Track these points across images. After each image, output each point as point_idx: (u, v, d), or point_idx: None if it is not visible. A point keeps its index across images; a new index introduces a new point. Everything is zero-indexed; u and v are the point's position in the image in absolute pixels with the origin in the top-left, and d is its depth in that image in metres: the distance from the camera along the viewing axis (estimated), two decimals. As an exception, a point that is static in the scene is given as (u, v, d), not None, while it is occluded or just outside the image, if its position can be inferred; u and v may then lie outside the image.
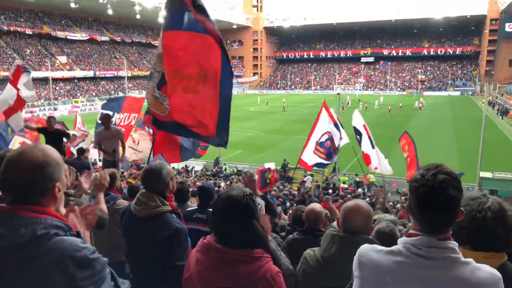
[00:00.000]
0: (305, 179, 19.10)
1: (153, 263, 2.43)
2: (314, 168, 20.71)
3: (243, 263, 1.66)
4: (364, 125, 13.85)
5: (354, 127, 14.12)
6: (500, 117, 42.93)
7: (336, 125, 12.52)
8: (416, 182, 1.38)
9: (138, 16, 66.31)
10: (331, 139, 12.30)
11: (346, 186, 17.66)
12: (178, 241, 2.38)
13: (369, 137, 13.50)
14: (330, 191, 15.22)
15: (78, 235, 1.46)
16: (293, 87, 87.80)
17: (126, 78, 41.23)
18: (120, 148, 7.61)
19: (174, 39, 4.51)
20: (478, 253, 1.59)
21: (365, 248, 1.50)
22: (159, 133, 5.73)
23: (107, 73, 63.56)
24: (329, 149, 12.20)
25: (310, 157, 11.97)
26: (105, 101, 17.17)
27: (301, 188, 15.47)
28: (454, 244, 1.37)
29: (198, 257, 1.75)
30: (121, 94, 57.70)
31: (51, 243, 1.35)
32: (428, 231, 1.38)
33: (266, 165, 20.02)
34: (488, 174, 17.80)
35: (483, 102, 43.08)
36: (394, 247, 1.42)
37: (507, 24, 66.82)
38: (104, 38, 68.33)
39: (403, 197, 14.03)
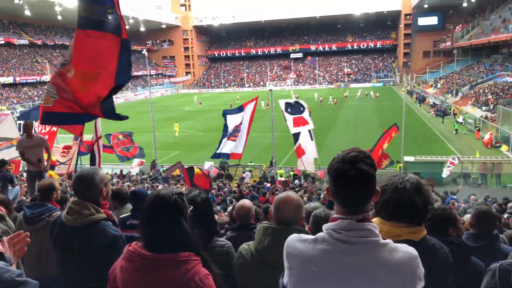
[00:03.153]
0: (244, 175, 19.34)
1: (91, 274, 2.32)
2: (251, 163, 21.16)
3: (169, 267, 1.60)
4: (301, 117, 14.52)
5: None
6: (418, 104, 46.73)
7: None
8: (332, 160, 1.46)
9: (59, 17, 62.02)
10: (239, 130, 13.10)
11: (283, 179, 18.14)
12: (117, 249, 2.28)
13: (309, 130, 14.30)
14: (269, 184, 15.58)
15: (1, 257, 1.38)
16: (227, 85, 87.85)
17: (50, 83, 38.42)
18: (46, 157, 7.15)
19: (85, 38, 4.65)
20: (402, 229, 1.74)
21: (291, 238, 1.52)
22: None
23: (29, 78, 58.70)
24: (238, 130, 13.03)
25: (228, 146, 12.67)
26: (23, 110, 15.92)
27: (240, 185, 15.65)
28: (373, 225, 1.43)
29: (123, 264, 1.67)
30: (43, 101, 53.59)
31: None
32: (347, 212, 1.43)
33: (206, 164, 20.03)
34: (411, 158, 19.35)
35: (403, 91, 46.59)
36: (318, 235, 1.46)
37: (419, 19, 72.71)
38: (22, 42, 62.82)
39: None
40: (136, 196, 3.61)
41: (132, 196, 3.69)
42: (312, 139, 14.45)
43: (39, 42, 66.14)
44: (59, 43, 70.63)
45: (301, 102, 14.63)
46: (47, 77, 52.02)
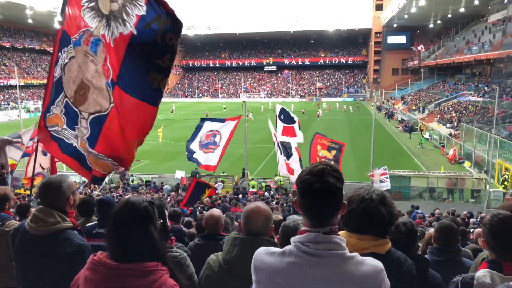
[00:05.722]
0: (216, 185, 19.17)
1: (54, 285, 2.24)
2: (223, 173, 21.02)
3: (135, 277, 1.55)
4: (274, 134, 14.34)
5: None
6: (387, 120, 48.10)
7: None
8: (301, 173, 1.48)
9: (30, 21, 60.19)
10: (215, 135, 12.85)
11: (255, 190, 18.15)
12: (82, 259, 2.20)
13: (278, 144, 14.04)
14: (240, 196, 15.51)
15: None
16: (200, 95, 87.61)
17: (17, 87, 36.71)
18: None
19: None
20: (369, 242, 1.77)
21: (259, 251, 1.51)
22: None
23: (-4, 82, 56.83)
24: (215, 143, 12.73)
25: (201, 157, 12.34)
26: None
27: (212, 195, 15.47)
28: (340, 238, 1.44)
29: (87, 275, 1.62)
30: (12, 104, 51.90)
31: None
32: (314, 225, 1.44)
33: (177, 173, 19.73)
34: (379, 172, 19.73)
35: (372, 107, 48.01)
36: (286, 248, 1.45)
37: (388, 37, 75.30)
38: (-10, 44, 60.98)
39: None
40: (103, 205, 3.52)
41: (100, 204, 3.59)
42: (292, 153, 14.05)
43: (7, 45, 64.16)
44: (29, 46, 68.82)
45: (293, 115, 14.23)
46: (14, 81, 50.32)
